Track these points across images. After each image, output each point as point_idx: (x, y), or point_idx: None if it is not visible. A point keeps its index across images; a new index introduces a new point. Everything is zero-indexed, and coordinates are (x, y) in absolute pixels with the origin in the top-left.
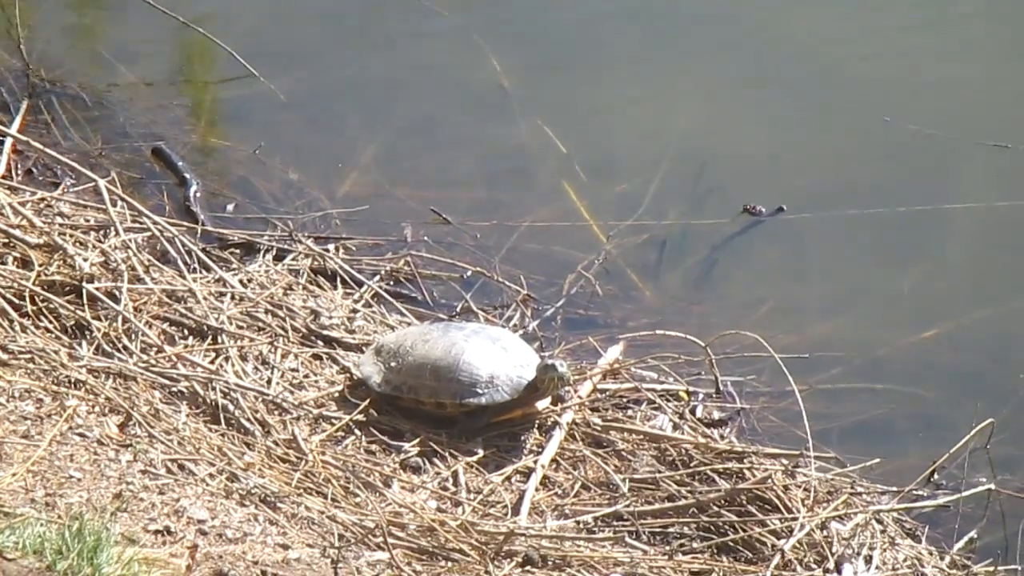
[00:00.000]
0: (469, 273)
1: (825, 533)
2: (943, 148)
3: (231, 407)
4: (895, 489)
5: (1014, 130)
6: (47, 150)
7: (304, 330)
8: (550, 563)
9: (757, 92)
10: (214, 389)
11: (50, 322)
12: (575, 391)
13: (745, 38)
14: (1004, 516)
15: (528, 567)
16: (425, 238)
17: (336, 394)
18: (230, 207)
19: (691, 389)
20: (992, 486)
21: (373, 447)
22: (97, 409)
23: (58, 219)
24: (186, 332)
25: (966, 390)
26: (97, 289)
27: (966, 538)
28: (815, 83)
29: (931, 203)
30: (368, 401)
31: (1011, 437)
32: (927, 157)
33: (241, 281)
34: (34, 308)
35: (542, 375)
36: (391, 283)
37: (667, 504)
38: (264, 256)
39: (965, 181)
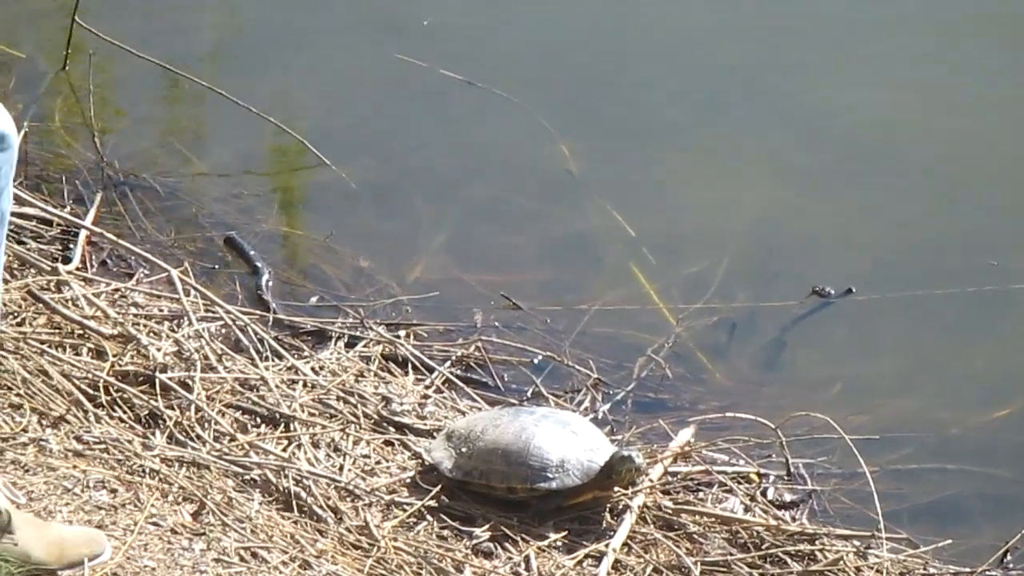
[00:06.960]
0: (539, 358)
1: None
2: (1009, 227)
3: (303, 494)
4: (968, 570)
5: None
6: (121, 241)
7: (375, 416)
8: None
9: (825, 172)
10: (287, 476)
11: (124, 412)
12: (646, 474)
13: (813, 117)
14: None
15: None
16: (495, 323)
17: (408, 480)
18: (314, 299)
19: (762, 471)
20: None
21: (445, 532)
22: (171, 498)
23: (132, 309)
24: (258, 420)
25: None
26: (170, 379)
27: None
28: (882, 163)
29: (999, 284)
30: (439, 487)
31: None
32: (994, 236)
33: (313, 368)
34: (108, 398)
35: (619, 466)
36: (462, 368)
37: None
38: (335, 343)
39: None
